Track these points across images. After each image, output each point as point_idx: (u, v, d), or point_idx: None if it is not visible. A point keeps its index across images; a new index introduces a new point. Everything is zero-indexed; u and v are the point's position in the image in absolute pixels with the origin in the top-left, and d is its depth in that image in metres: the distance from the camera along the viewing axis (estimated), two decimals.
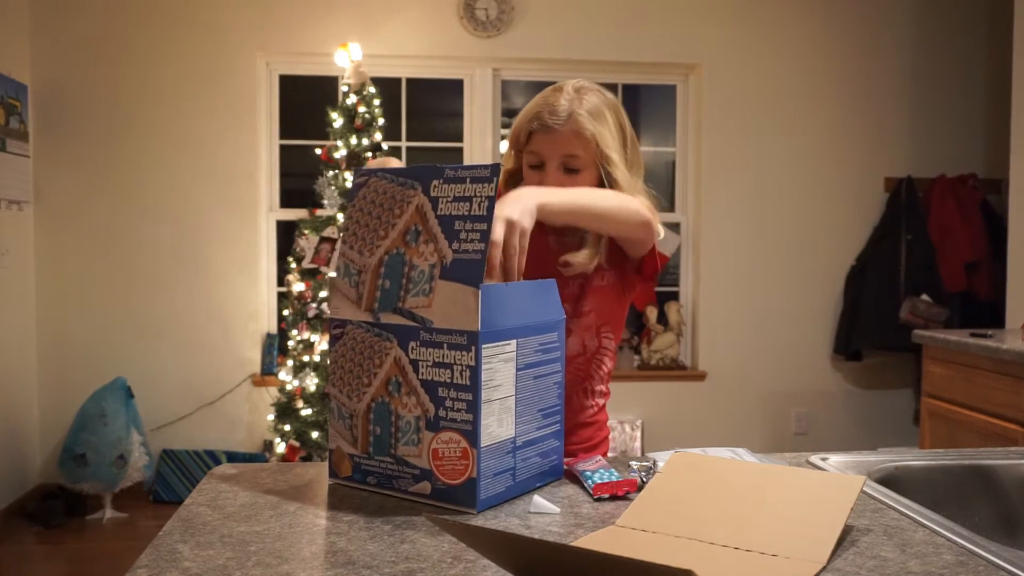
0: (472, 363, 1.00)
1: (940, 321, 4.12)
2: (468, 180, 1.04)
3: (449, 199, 1.05)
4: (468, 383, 1.00)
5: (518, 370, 1.06)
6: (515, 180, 1.48)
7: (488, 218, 1.02)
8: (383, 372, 1.07)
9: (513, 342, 1.05)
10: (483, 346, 1.00)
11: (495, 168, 1.02)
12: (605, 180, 1.43)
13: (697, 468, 1.03)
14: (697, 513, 0.94)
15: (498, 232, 1.09)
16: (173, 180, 4.12)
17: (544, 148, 1.40)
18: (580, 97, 1.40)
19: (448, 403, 1.02)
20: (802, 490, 0.95)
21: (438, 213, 1.05)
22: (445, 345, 1.02)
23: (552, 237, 1.50)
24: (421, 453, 1.04)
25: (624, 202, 1.36)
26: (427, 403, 1.03)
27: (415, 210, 1.07)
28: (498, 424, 1.03)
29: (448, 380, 1.01)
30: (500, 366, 1.03)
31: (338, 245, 1.06)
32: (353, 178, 1.16)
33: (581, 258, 1.42)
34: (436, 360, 1.02)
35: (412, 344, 1.04)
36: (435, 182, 1.06)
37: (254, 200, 4.19)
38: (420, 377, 1.04)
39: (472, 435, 1.00)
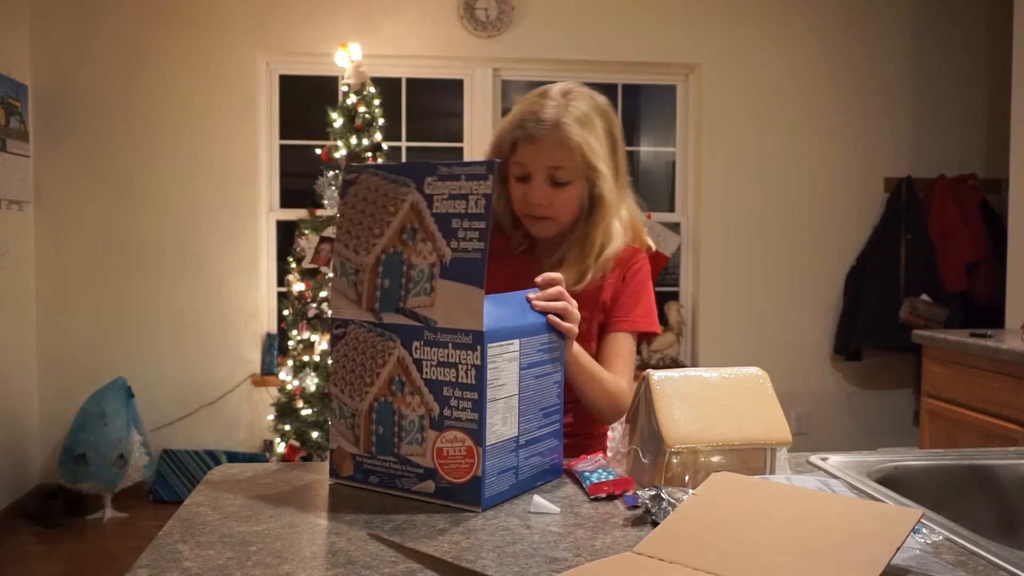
0: (478, 362, 1.00)
1: (940, 321, 4.12)
2: (463, 177, 1.03)
3: (444, 196, 1.04)
4: (474, 382, 1.00)
5: (521, 369, 1.06)
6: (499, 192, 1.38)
7: (486, 216, 1.01)
8: (386, 372, 1.07)
9: (516, 341, 1.06)
10: (488, 345, 1.00)
11: (491, 164, 1.01)
12: (591, 192, 1.35)
13: (737, 491, 0.94)
14: (724, 543, 0.85)
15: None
16: (173, 180, 4.12)
17: (529, 159, 1.31)
18: (567, 103, 1.31)
19: (453, 402, 1.02)
20: (849, 522, 0.85)
21: (434, 211, 1.04)
22: (450, 344, 1.02)
23: (536, 256, 1.45)
24: (425, 452, 1.04)
25: (621, 399, 1.38)
26: (431, 402, 1.03)
27: (410, 208, 1.06)
28: (502, 423, 1.03)
29: (453, 379, 1.01)
30: (504, 365, 1.03)
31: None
32: (343, 175, 1.15)
33: (568, 279, 1.31)
34: (440, 359, 1.02)
35: (416, 344, 1.04)
36: (429, 179, 1.05)
37: (254, 200, 4.19)
38: (424, 376, 1.03)
39: (477, 434, 1.00)
